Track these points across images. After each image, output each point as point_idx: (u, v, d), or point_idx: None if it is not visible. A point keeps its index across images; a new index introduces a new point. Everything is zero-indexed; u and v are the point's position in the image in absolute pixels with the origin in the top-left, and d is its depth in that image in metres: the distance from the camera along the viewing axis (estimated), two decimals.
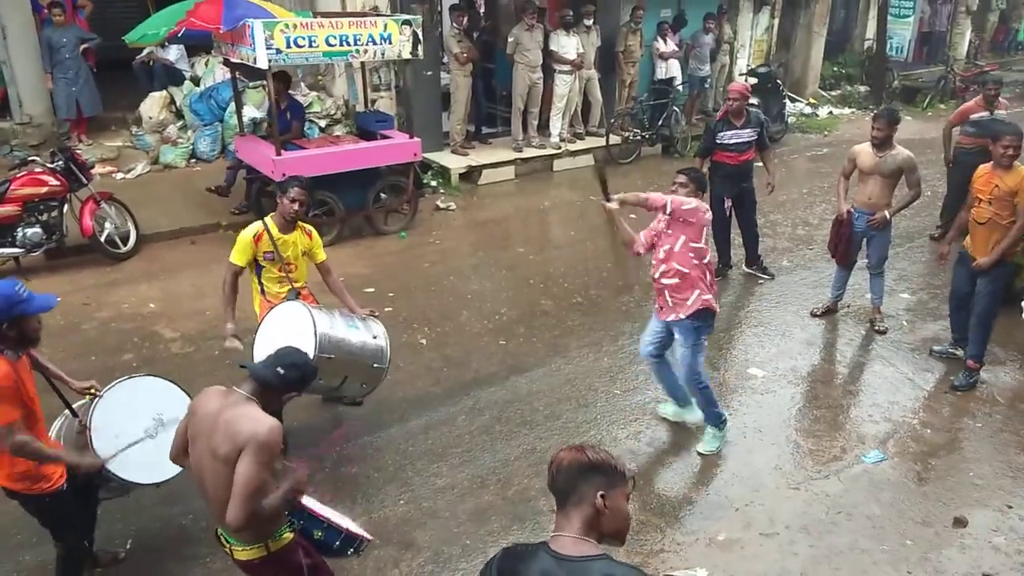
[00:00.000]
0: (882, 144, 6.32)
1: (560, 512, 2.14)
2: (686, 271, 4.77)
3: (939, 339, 6.54)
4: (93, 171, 8.35)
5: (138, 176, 9.67)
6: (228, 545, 3.02)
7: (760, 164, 7.60)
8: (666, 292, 4.89)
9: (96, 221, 7.71)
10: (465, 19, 10.53)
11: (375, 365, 4.80)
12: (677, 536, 4.39)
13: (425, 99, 10.86)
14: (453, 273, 7.97)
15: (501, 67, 11.84)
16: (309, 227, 5.03)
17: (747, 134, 7.22)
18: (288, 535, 3.05)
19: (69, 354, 5.97)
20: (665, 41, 12.35)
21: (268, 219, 4.84)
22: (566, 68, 11.06)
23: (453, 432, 5.30)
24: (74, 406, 3.88)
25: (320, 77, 11.20)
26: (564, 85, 11.17)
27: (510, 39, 10.78)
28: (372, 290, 7.41)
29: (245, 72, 9.19)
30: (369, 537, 3.41)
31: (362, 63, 9.39)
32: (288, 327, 4.51)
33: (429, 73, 10.68)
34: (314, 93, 10.95)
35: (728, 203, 7.49)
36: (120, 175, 9.64)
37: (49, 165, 7.49)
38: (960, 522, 4.51)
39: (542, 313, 7.06)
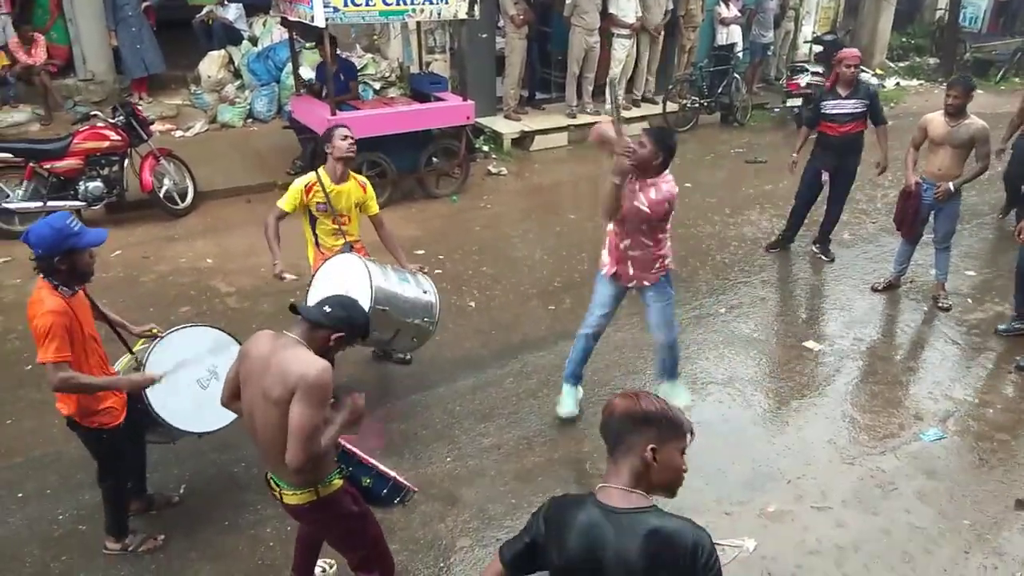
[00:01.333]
0: (956, 113, 6.06)
1: (610, 460, 2.11)
2: (650, 244, 4.53)
3: (1005, 318, 6.30)
4: (153, 128, 8.48)
5: (196, 135, 9.81)
6: (278, 489, 3.02)
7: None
8: (629, 263, 4.62)
9: (155, 177, 7.84)
10: None
11: (425, 320, 4.83)
12: (726, 505, 4.32)
13: (479, 62, 10.72)
14: (503, 238, 7.93)
15: (557, 31, 11.64)
16: (363, 179, 5.05)
17: (850, 105, 6.72)
18: (338, 481, 3.05)
19: (128, 305, 6.09)
20: (727, 6, 12.02)
21: (321, 170, 4.83)
22: (625, 32, 10.83)
23: (500, 394, 5.29)
24: (135, 350, 3.95)
25: (375, 38, 11.16)
26: (622, 49, 10.95)
27: (567, 1, 10.58)
28: (422, 252, 7.41)
29: (302, 32, 9.20)
30: (415, 488, 3.41)
31: (417, 24, 9.36)
32: (343, 278, 4.55)
33: (484, 36, 10.55)
34: (369, 55, 10.92)
35: (825, 176, 7.05)
36: (179, 133, 9.78)
37: (111, 120, 7.63)
38: (1022, 504, 4.35)
39: (589, 279, 6.93)
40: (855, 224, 8.30)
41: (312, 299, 4.54)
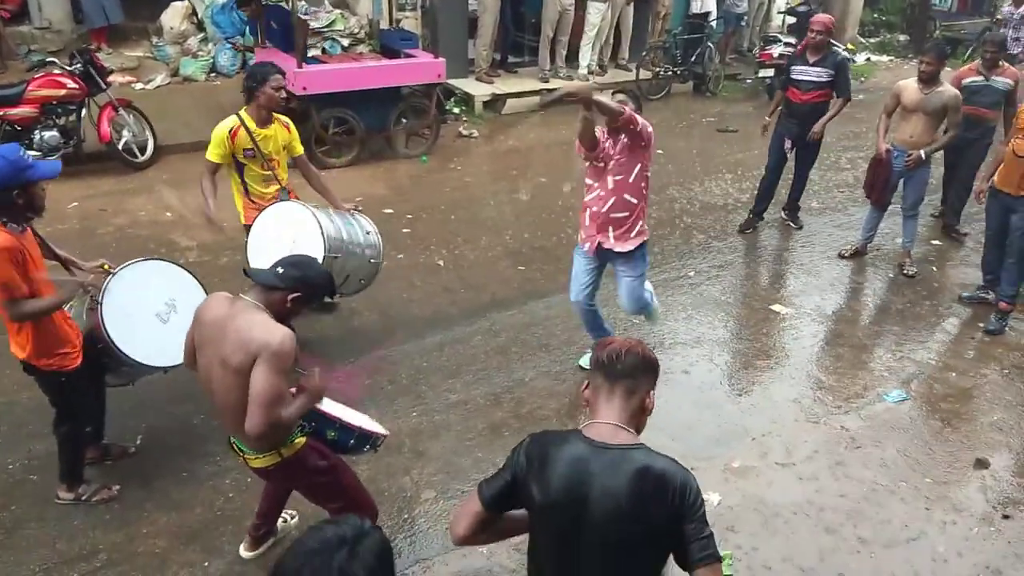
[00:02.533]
0: (929, 80, 6.06)
1: (606, 399, 2.07)
2: (635, 202, 4.41)
3: (968, 285, 6.37)
4: (112, 78, 8.19)
5: (157, 88, 9.52)
6: (242, 454, 2.97)
7: None
8: (610, 227, 4.48)
9: (114, 128, 7.59)
10: None
11: (372, 261, 4.82)
12: (691, 461, 4.23)
13: (451, 22, 10.52)
14: (473, 199, 7.82)
15: None
16: (285, 119, 4.80)
17: (815, 73, 6.58)
18: (300, 439, 2.96)
19: (84, 257, 5.72)
20: None
21: (243, 113, 4.55)
22: None
23: (468, 351, 5.23)
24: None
25: None
26: (597, 13, 10.82)
27: None
28: (391, 211, 7.28)
29: None
30: (384, 432, 3.31)
31: None
32: (287, 228, 4.43)
33: None
34: (337, 11, 10.65)
35: (788, 144, 6.93)
36: (139, 86, 9.47)
37: (68, 68, 7.35)
38: (982, 463, 4.42)
39: (562, 242, 6.90)
40: (823, 193, 8.33)
41: (254, 253, 4.44)
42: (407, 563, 3.60)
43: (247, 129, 4.52)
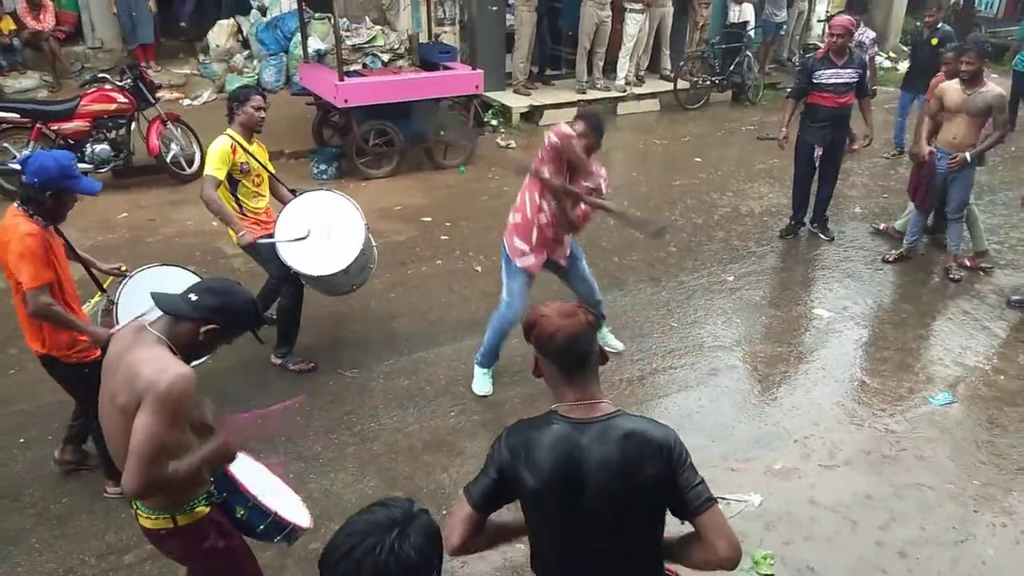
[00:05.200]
0: (971, 80, 5.95)
1: (568, 383, 2.04)
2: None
3: (1017, 289, 6.22)
4: (160, 94, 8.45)
5: (204, 103, 9.80)
6: (134, 508, 2.53)
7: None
8: (565, 239, 4.74)
9: (162, 141, 7.82)
10: None
11: (370, 267, 5.01)
12: (731, 462, 4.28)
13: (489, 36, 10.67)
14: (510, 208, 7.84)
15: (568, 6, 11.54)
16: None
17: (847, 75, 6.42)
18: (202, 509, 2.51)
19: (134, 265, 6.00)
20: None
21: (231, 132, 4.65)
22: (637, 6, 10.73)
23: (505, 354, 5.20)
24: (106, 287, 3.95)
25: (385, 8, 11.08)
26: (634, 24, 10.85)
27: None
28: (429, 219, 7.38)
29: (310, 2, 9.15)
30: (304, 525, 2.78)
31: None
32: (323, 214, 4.68)
33: (494, 8, 10.47)
34: (378, 27, 10.85)
35: (819, 151, 6.72)
36: (187, 102, 9.76)
37: (118, 83, 7.60)
38: None
39: (600, 248, 6.92)
40: (867, 199, 8.22)
41: (282, 236, 4.58)
42: (446, 559, 3.60)
43: (241, 146, 4.64)
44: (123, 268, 3.91)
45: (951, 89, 6.09)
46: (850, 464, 4.30)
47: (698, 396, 4.89)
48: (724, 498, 3.98)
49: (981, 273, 6.57)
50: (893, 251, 6.77)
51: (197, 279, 3.90)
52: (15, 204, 3.36)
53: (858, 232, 7.38)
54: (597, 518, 2.00)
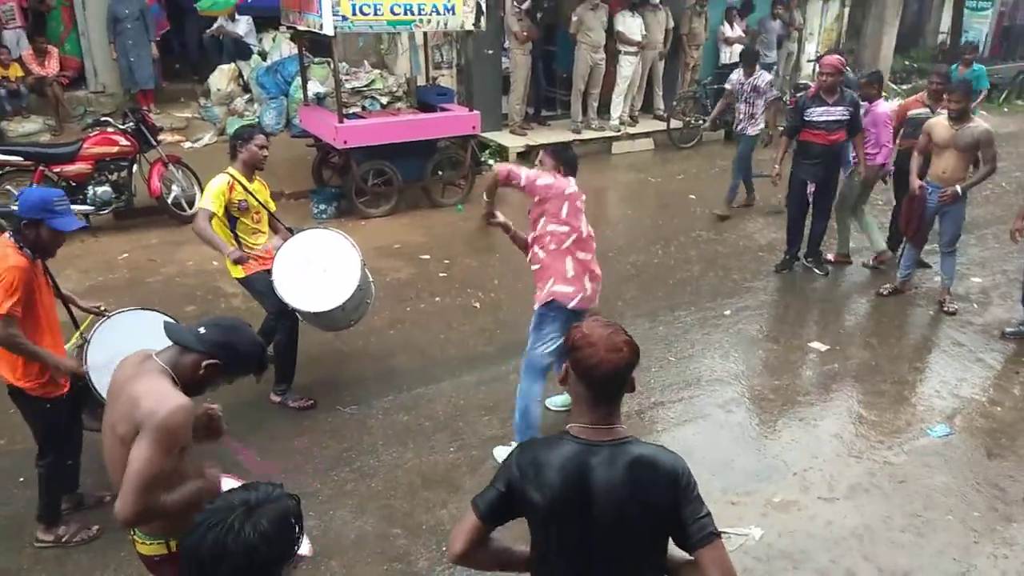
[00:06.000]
0: (959, 117, 6.08)
1: (591, 407, 2.04)
2: (541, 256, 4.34)
3: (1010, 321, 6.27)
4: (161, 136, 8.57)
5: (205, 146, 9.92)
6: (131, 535, 2.58)
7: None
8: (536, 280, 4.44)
9: (164, 183, 7.91)
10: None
11: (367, 302, 5.07)
12: (731, 495, 4.28)
13: (485, 78, 10.88)
14: (508, 245, 7.69)
15: (562, 50, 11.80)
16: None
17: (839, 112, 6.54)
18: None
19: (134, 304, 6.11)
20: (732, 26, 12.16)
21: (232, 170, 4.73)
22: (631, 49, 10.96)
23: (505, 389, 5.26)
24: (82, 328, 3.96)
25: (384, 52, 11.29)
26: (628, 67, 11.08)
27: (574, 18, 10.73)
28: (427, 257, 7.45)
29: (310, 47, 9.33)
30: (304, 553, 2.67)
31: (424, 38, 9.48)
32: (321, 251, 4.77)
33: (490, 52, 10.71)
34: (376, 71, 11.05)
35: (811, 187, 6.83)
36: (188, 144, 9.89)
37: (120, 126, 7.71)
38: None
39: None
40: (860, 233, 8.29)
41: (280, 273, 4.63)
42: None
43: (240, 184, 4.72)
44: (102, 308, 3.94)
45: (939, 125, 6.22)
46: (849, 496, 4.30)
47: (696, 430, 4.91)
48: (725, 532, 3.96)
49: (974, 305, 6.64)
50: (887, 285, 6.84)
51: (171, 321, 3.84)
52: (6, 234, 3.44)
53: (852, 267, 7.46)
54: (601, 539, 2.02)
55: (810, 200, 6.97)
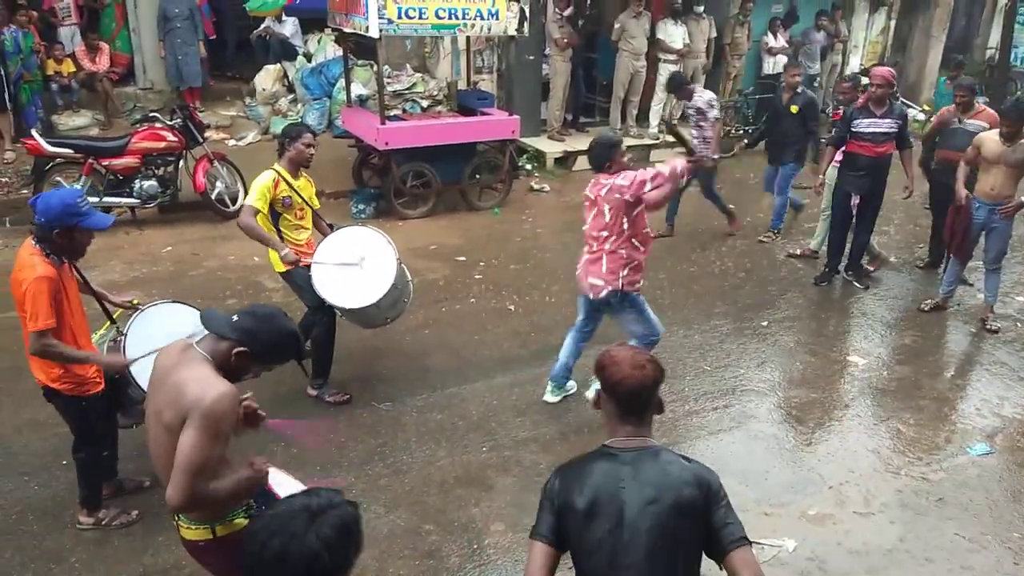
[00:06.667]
0: (1011, 137, 5.97)
1: (621, 423, 2.17)
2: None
3: None
4: (207, 133, 8.74)
5: (248, 144, 10.09)
6: (176, 520, 2.60)
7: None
8: None
9: (208, 179, 8.07)
10: (569, 6, 10.54)
11: (404, 301, 5.11)
12: (765, 506, 4.24)
13: (526, 84, 10.92)
14: (544, 249, 7.96)
15: (603, 57, 11.80)
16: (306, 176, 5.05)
17: (886, 124, 6.44)
18: (240, 521, 2.58)
19: (177, 296, 6.23)
20: (775, 36, 12.08)
21: (278, 167, 4.81)
22: (671, 57, 10.94)
23: (538, 391, 5.28)
24: (116, 317, 4.03)
25: (427, 56, 11.40)
26: (668, 74, 11.01)
27: (616, 25, 10.74)
28: (463, 259, 7.50)
29: (355, 49, 9.45)
30: None
31: (467, 42, 9.56)
32: (359, 246, 4.84)
33: (531, 58, 10.73)
34: (418, 75, 11.16)
35: (855, 199, 6.73)
36: (232, 142, 10.07)
37: (168, 122, 7.88)
38: None
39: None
40: (903, 248, 8.19)
41: (317, 270, 4.72)
42: None
43: (286, 181, 4.79)
44: (135, 302, 4.00)
45: (989, 140, 6.11)
46: (886, 512, 4.24)
47: (731, 440, 4.87)
48: (758, 543, 3.94)
49: (1018, 324, 6.51)
50: (928, 300, 6.73)
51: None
52: (30, 240, 3.43)
53: (893, 281, 7.36)
54: (636, 545, 2.04)
55: (854, 212, 6.86)
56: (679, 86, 8.06)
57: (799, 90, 7.83)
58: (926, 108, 14.86)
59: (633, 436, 2.15)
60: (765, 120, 11.57)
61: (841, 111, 9.67)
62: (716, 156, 7.93)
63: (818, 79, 12.88)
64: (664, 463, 2.10)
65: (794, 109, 7.74)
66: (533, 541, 2.13)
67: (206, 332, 2.55)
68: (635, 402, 2.15)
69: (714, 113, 7.78)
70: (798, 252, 7.87)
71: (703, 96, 7.84)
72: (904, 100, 13.98)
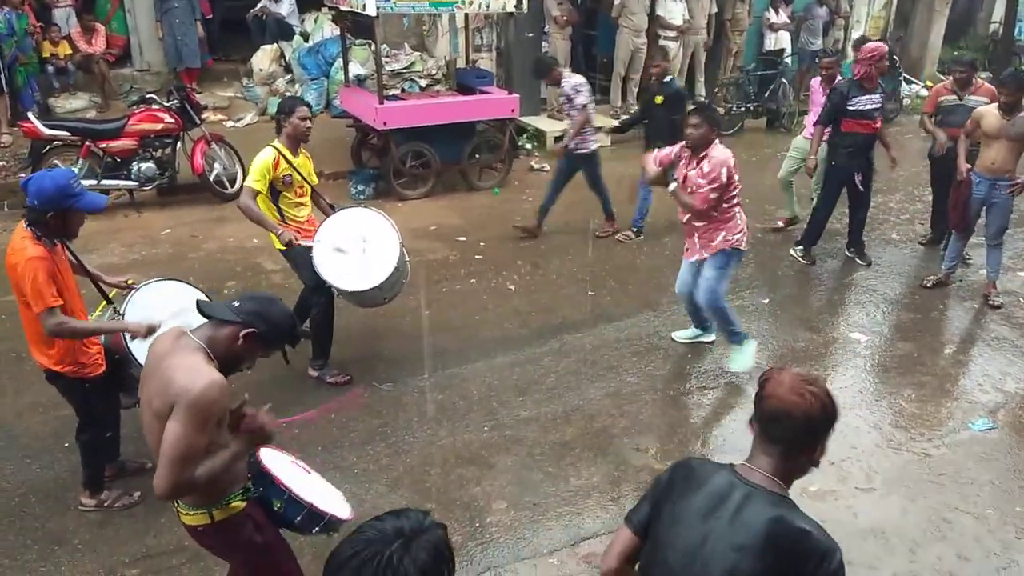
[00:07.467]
0: (1010, 110, 5.91)
1: (762, 449, 1.97)
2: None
3: None
4: (205, 114, 8.68)
5: (247, 125, 10.02)
6: (175, 506, 2.61)
7: None
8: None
9: (206, 161, 8.01)
10: None
11: (402, 282, 5.06)
12: None
13: (524, 62, 10.76)
14: (543, 228, 7.91)
15: (603, 35, 11.69)
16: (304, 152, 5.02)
17: (878, 99, 6.47)
18: (238, 504, 2.58)
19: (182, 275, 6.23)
20: (776, 12, 11.97)
21: (278, 144, 4.77)
22: (671, 34, 10.84)
23: (539, 371, 5.28)
24: (112, 297, 4.03)
25: (425, 34, 11.29)
26: (669, 51, 10.92)
27: (616, 2, 10.64)
28: (464, 239, 7.47)
29: (352, 28, 9.36)
30: (343, 516, 2.79)
31: (465, 20, 9.47)
32: (360, 227, 4.80)
33: (530, 35, 10.63)
34: (416, 53, 11.06)
35: (859, 177, 6.61)
36: (230, 123, 10.00)
37: (165, 104, 7.83)
38: None
39: (632, 268, 6.97)
40: (904, 226, 8.15)
41: (319, 251, 4.68)
42: (478, 569, 3.63)
43: (286, 158, 4.75)
44: (130, 282, 3.99)
45: (989, 114, 6.05)
46: (888, 488, 4.25)
47: (733, 416, 4.88)
48: None
49: (1021, 299, 6.49)
50: (931, 277, 6.70)
51: (202, 294, 3.92)
52: (22, 223, 3.41)
53: (895, 257, 7.33)
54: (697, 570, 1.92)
55: (860, 189, 6.76)
56: (545, 71, 7.46)
57: (666, 79, 7.37)
58: (929, 84, 14.76)
59: (764, 470, 1.94)
60: (768, 95, 11.58)
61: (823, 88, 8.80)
62: (571, 144, 7.21)
63: (819, 54, 12.74)
64: (776, 517, 1.86)
65: (659, 100, 7.27)
66: (625, 524, 2.10)
67: (203, 321, 2.55)
68: (774, 428, 1.94)
69: (581, 99, 7.06)
70: (780, 224, 7.92)
71: (570, 81, 7.18)
72: (906, 75, 13.92)
